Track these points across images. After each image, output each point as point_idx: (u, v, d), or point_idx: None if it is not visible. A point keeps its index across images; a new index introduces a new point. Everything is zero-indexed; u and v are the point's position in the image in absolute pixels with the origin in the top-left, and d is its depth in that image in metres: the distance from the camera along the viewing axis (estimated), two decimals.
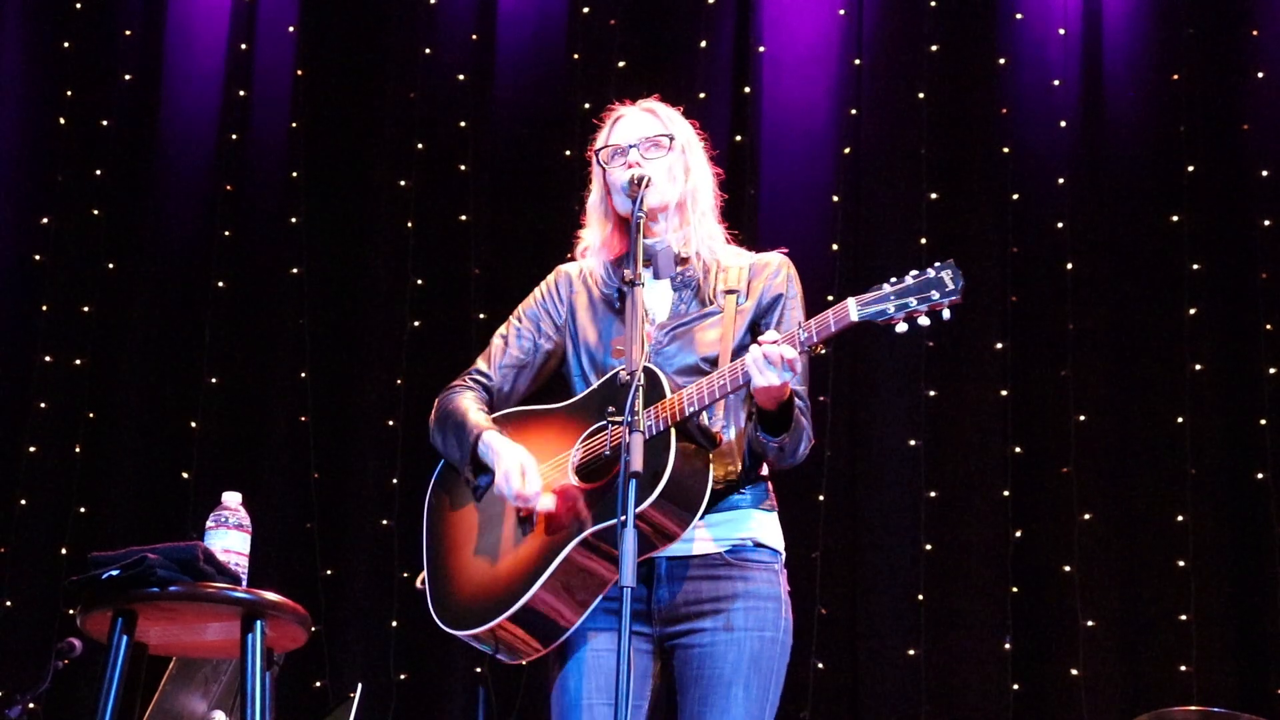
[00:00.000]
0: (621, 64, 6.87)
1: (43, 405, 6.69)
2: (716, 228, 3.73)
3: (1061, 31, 6.83)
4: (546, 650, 3.42)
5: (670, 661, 3.45)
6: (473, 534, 3.50)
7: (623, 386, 3.24)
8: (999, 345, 6.55)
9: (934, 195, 6.70)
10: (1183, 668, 6.15)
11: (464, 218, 6.80)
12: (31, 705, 4.64)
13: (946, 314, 3.25)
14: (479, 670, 6.30)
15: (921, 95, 6.78)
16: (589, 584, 3.36)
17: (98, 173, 6.93)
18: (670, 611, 3.42)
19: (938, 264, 3.27)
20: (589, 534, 3.31)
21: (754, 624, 3.43)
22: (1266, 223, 6.52)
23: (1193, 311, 6.49)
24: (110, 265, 6.85)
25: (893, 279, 3.28)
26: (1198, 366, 6.44)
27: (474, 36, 7.02)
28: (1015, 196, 6.68)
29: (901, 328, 3.27)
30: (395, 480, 6.49)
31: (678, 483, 3.27)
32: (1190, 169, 6.62)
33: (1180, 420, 6.40)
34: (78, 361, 6.75)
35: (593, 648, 3.40)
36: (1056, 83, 6.77)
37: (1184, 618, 6.20)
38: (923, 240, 6.63)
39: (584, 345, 3.60)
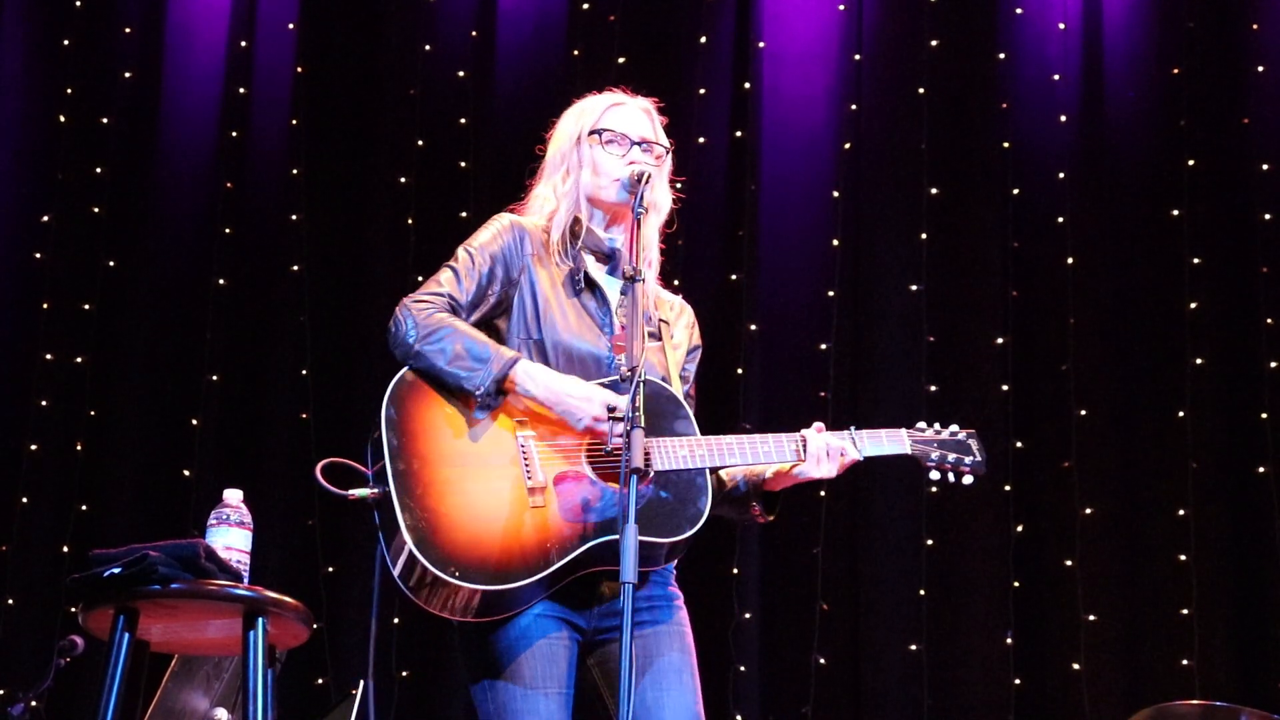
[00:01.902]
0: (621, 60, 6.87)
1: (44, 403, 6.69)
2: (657, 251, 3.70)
3: (1062, 26, 6.83)
4: (475, 620, 3.34)
5: (599, 654, 3.44)
6: (464, 475, 3.38)
7: (641, 383, 3.22)
8: (1000, 340, 6.56)
9: (934, 190, 6.70)
10: (1184, 662, 6.15)
11: (464, 214, 6.79)
12: (34, 703, 4.64)
13: (968, 480, 3.66)
14: None
15: (922, 91, 6.78)
16: (564, 579, 3.35)
17: (98, 170, 6.93)
18: (604, 615, 3.42)
19: (965, 432, 3.70)
20: (609, 539, 3.28)
21: (681, 619, 3.50)
22: (1267, 216, 6.52)
23: (1193, 306, 6.49)
24: (111, 263, 6.85)
25: (936, 426, 3.67)
26: (1198, 361, 6.44)
27: (474, 33, 7.02)
28: (1016, 191, 6.69)
29: (934, 475, 3.64)
30: None
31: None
32: (1191, 163, 6.62)
33: (1181, 414, 6.40)
34: (78, 359, 6.75)
35: (541, 633, 3.35)
36: (1057, 78, 6.77)
37: (1185, 612, 6.21)
38: (923, 235, 6.64)
39: (545, 318, 3.53)
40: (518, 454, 3.39)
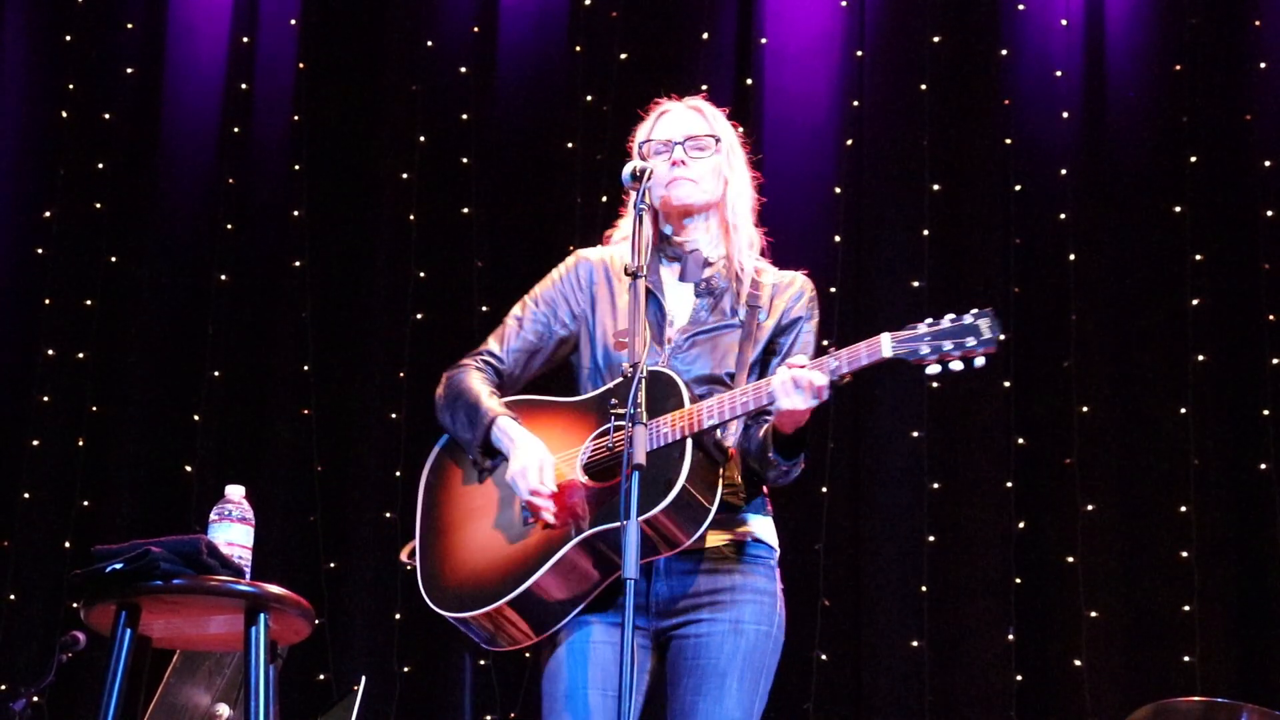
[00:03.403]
0: (623, 56, 6.86)
1: (45, 399, 6.69)
2: (755, 233, 3.71)
3: (1064, 23, 6.82)
4: (537, 639, 3.42)
5: (664, 654, 3.46)
6: (472, 517, 3.49)
7: (642, 378, 3.22)
8: (1002, 337, 6.52)
9: (936, 187, 6.70)
10: (1186, 658, 6.15)
11: (466, 210, 6.79)
12: (35, 698, 4.65)
13: (980, 361, 3.32)
14: (483, 662, 6.30)
15: (924, 87, 6.78)
16: (587, 578, 3.37)
17: (100, 166, 6.93)
18: (668, 605, 3.43)
19: (976, 310, 3.34)
20: (591, 533, 3.33)
21: (750, 617, 3.43)
22: (1269, 213, 6.51)
23: (1195, 302, 6.49)
24: (112, 259, 6.85)
25: (929, 319, 3.33)
26: (1200, 357, 6.44)
27: (475, 29, 7.02)
28: (1018, 188, 6.68)
29: (934, 369, 3.31)
30: (398, 473, 6.49)
31: (689, 492, 3.30)
32: (1193, 160, 6.62)
33: (1183, 411, 6.40)
34: (80, 355, 6.75)
35: (589, 638, 3.40)
36: (1059, 74, 6.76)
37: (1187, 608, 6.20)
38: (925, 232, 6.63)
39: (599, 339, 3.58)
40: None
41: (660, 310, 3.58)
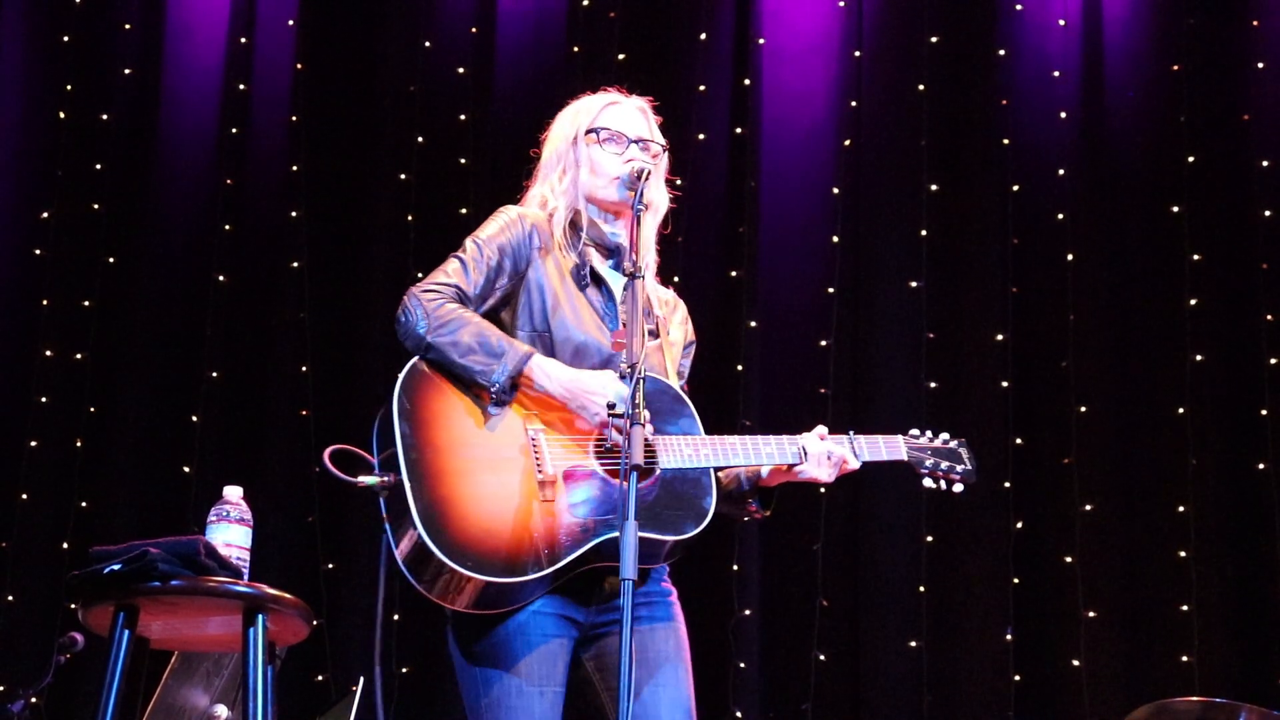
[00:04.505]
0: (621, 56, 6.86)
1: (43, 400, 6.69)
2: (654, 251, 3.73)
3: (1062, 23, 6.83)
4: (475, 611, 3.35)
5: (595, 648, 3.45)
6: (476, 465, 3.38)
7: (641, 380, 3.21)
8: (1000, 336, 6.56)
9: (934, 187, 6.70)
10: (1184, 658, 6.15)
11: (464, 211, 6.79)
12: (34, 700, 4.64)
13: (959, 488, 3.73)
14: None
15: (922, 87, 6.78)
16: (568, 574, 3.36)
17: (98, 167, 6.93)
18: (602, 610, 3.43)
19: (957, 441, 3.77)
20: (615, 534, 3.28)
21: (677, 614, 3.53)
22: (1267, 213, 6.52)
23: (1193, 302, 6.49)
24: (110, 259, 6.85)
25: (930, 433, 3.75)
26: (1198, 357, 6.44)
27: (474, 30, 7.02)
28: (1016, 188, 6.68)
29: (928, 483, 3.70)
30: None
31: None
32: (1191, 160, 6.62)
33: (1181, 411, 6.40)
34: (78, 356, 6.75)
35: (538, 632, 3.37)
36: (1057, 74, 6.77)
37: (1185, 608, 6.21)
38: (923, 232, 6.63)
39: (552, 312, 3.54)
40: (528, 446, 3.41)
41: (612, 301, 3.60)
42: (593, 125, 3.66)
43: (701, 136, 6.74)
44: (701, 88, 6.82)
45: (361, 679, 4.90)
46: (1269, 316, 6.42)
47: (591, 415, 3.41)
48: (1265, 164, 6.56)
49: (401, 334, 3.48)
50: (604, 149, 3.63)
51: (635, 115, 3.69)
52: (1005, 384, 6.48)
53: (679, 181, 3.80)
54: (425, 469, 3.35)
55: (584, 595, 3.40)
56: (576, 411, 3.42)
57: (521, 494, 3.36)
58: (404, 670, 6.37)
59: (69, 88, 6.99)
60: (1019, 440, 6.46)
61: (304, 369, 6.70)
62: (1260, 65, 6.66)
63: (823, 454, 3.53)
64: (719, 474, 3.57)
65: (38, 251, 6.83)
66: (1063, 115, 6.71)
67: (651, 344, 3.57)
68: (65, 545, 6.51)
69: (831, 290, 6.61)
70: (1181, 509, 6.31)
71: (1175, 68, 6.71)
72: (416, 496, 3.30)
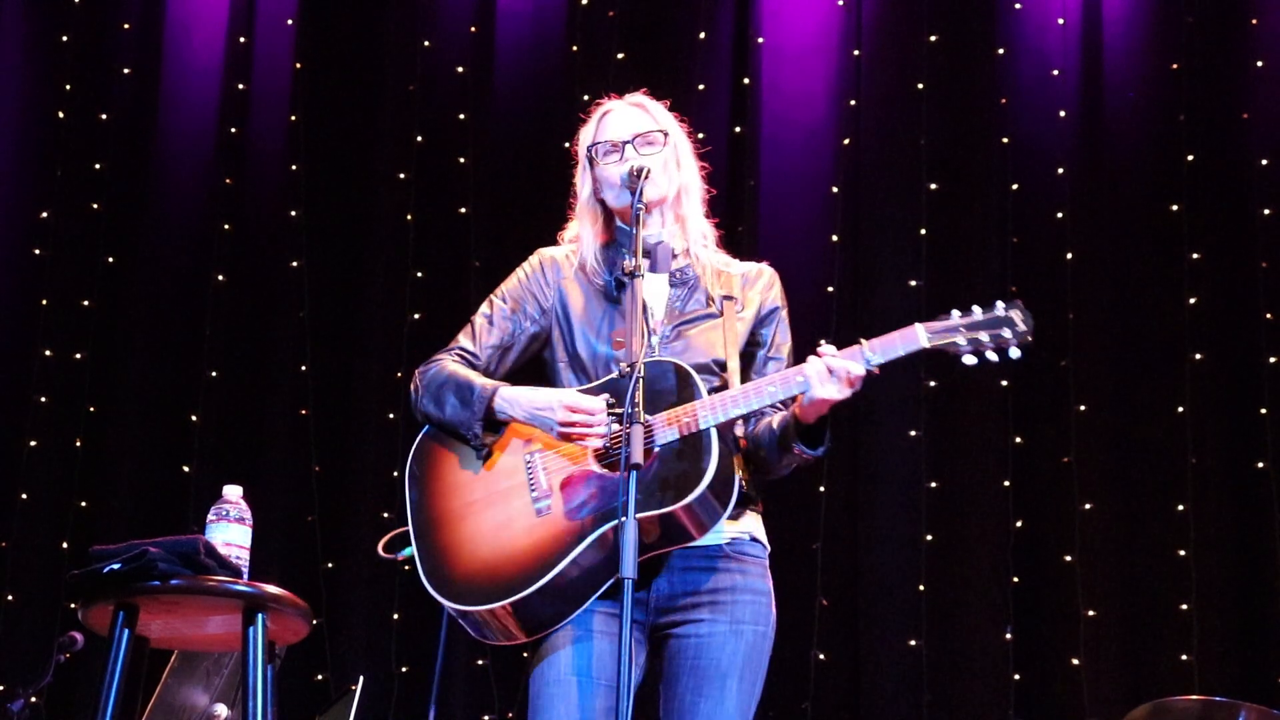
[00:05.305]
0: (620, 56, 6.86)
1: (43, 399, 6.69)
2: (707, 225, 3.71)
3: (1061, 21, 6.82)
4: (528, 639, 3.39)
5: (660, 651, 3.44)
6: (475, 509, 3.44)
7: (639, 378, 3.21)
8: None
9: (933, 186, 6.70)
10: (1184, 657, 6.15)
11: (463, 210, 6.80)
12: (34, 699, 4.65)
13: (1015, 353, 3.32)
14: (480, 662, 6.30)
15: (921, 86, 6.78)
16: (596, 574, 3.34)
17: (97, 166, 6.93)
18: (667, 602, 3.42)
19: (1005, 303, 3.35)
20: (609, 527, 3.28)
21: (749, 617, 3.43)
22: (1266, 212, 6.52)
23: (1193, 301, 6.49)
24: (110, 259, 6.85)
25: (958, 311, 3.35)
26: (1198, 356, 6.44)
27: (473, 29, 7.02)
28: (1015, 187, 6.68)
29: (970, 360, 3.34)
30: (396, 473, 6.48)
31: (716, 483, 3.30)
32: (1190, 158, 6.62)
33: (1181, 410, 6.40)
34: (78, 355, 6.75)
35: (588, 625, 3.37)
36: (1056, 73, 6.77)
37: (1185, 607, 6.21)
38: (922, 231, 6.63)
39: (579, 333, 3.56)
40: (524, 471, 3.44)
41: (644, 307, 3.56)
42: (592, 142, 3.67)
43: (700, 136, 6.72)
44: (701, 86, 6.82)
45: (361, 678, 4.90)
46: (1269, 316, 6.41)
47: (550, 429, 3.41)
48: (1264, 162, 6.55)
49: (413, 411, 3.60)
50: (605, 161, 3.62)
51: (628, 115, 3.68)
52: (1004, 383, 6.48)
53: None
54: (427, 527, 3.46)
55: (638, 599, 3.36)
56: (541, 429, 3.43)
57: (520, 517, 3.40)
58: (404, 670, 6.37)
59: (68, 87, 6.99)
60: (1018, 439, 6.46)
61: (303, 368, 6.70)
62: (1259, 64, 6.66)
63: (821, 371, 3.34)
64: (752, 433, 3.49)
65: (37, 251, 6.83)
66: (1062, 114, 6.71)
67: (707, 325, 3.55)
68: (65, 545, 6.52)
69: (831, 289, 6.61)
70: (1181, 508, 6.31)
71: (1174, 66, 6.71)
72: (423, 557, 3.43)
